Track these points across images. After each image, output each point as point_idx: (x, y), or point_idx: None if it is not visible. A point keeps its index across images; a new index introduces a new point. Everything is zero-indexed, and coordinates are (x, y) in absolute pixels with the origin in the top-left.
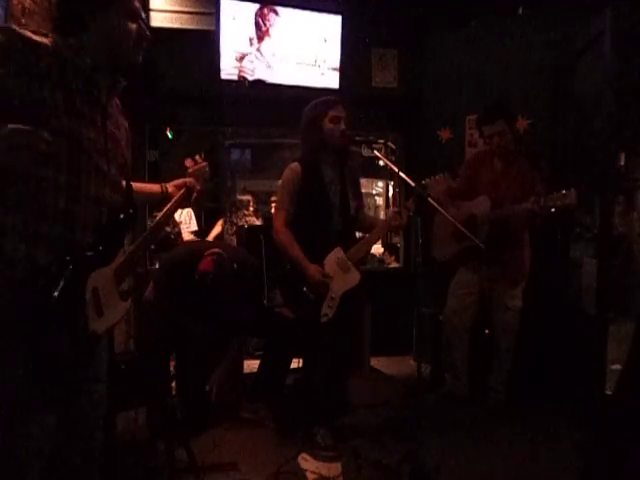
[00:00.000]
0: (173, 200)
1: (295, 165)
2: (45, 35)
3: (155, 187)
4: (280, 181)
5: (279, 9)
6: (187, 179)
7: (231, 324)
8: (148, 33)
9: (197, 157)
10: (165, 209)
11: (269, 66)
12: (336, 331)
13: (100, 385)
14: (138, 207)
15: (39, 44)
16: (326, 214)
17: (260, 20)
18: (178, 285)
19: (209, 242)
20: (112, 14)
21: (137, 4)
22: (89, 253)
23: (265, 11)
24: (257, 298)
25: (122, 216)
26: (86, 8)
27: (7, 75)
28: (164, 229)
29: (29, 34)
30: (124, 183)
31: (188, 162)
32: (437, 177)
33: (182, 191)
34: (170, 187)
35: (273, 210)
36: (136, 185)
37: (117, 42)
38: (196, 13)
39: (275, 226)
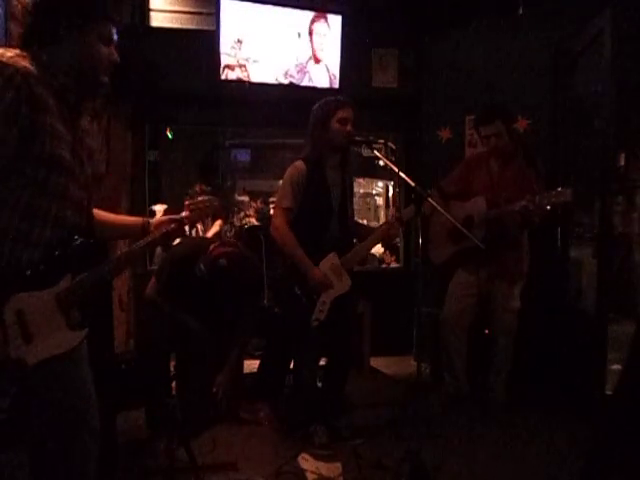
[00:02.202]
0: (150, 238)
1: (300, 163)
2: (18, 55)
3: (135, 221)
4: (282, 180)
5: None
6: (179, 216)
7: (231, 323)
8: (117, 58)
9: (197, 188)
10: (138, 244)
11: (271, 66)
12: (325, 333)
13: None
14: (105, 238)
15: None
16: (325, 218)
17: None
18: (178, 282)
19: (210, 239)
20: (87, 33)
21: (112, 30)
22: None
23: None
24: (258, 300)
25: (79, 240)
26: (64, 21)
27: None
28: (129, 264)
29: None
30: (86, 205)
31: (188, 201)
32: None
33: (165, 230)
34: (154, 223)
35: (272, 210)
36: (112, 217)
37: (87, 62)
38: (196, 13)
39: (275, 223)
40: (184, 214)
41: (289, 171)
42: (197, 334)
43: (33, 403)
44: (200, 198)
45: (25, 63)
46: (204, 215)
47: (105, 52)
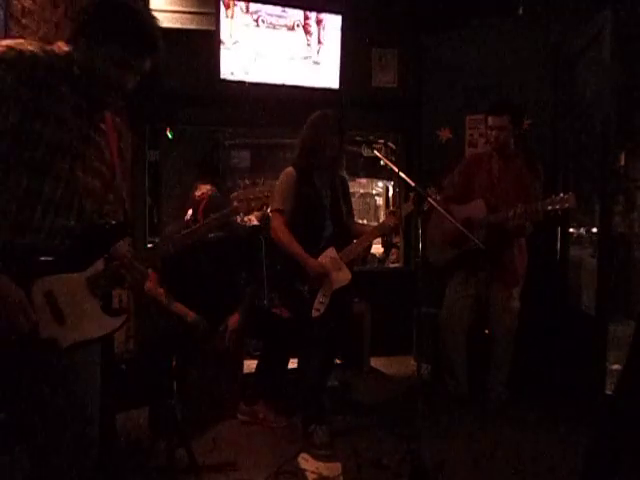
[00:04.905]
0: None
1: (290, 169)
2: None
3: None
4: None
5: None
6: (230, 208)
7: (228, 295)
8: (127, 82)
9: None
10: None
11: (273, 66)
12: (328, 327)
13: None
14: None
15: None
16: (319, 216)
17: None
18: (175, 267)
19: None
20: (95, 48)
21: (128, 56)
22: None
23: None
24: (251, 268)
25: (107, 224)
26: (87, 29)
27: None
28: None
29: (27, 47)
30: (106, 195)
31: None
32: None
33: (213, 217)
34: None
35: (269, 211)
36: None
37: (87, 73)
38: (196, 13)
39: (273, 225)
40: (235, 204)
41: (281, 177)
42: (195, 325)
43: (40, 394)
44: (248, 190)
45: (33, 48)
46: (253, 206)
47: (113, 73)
